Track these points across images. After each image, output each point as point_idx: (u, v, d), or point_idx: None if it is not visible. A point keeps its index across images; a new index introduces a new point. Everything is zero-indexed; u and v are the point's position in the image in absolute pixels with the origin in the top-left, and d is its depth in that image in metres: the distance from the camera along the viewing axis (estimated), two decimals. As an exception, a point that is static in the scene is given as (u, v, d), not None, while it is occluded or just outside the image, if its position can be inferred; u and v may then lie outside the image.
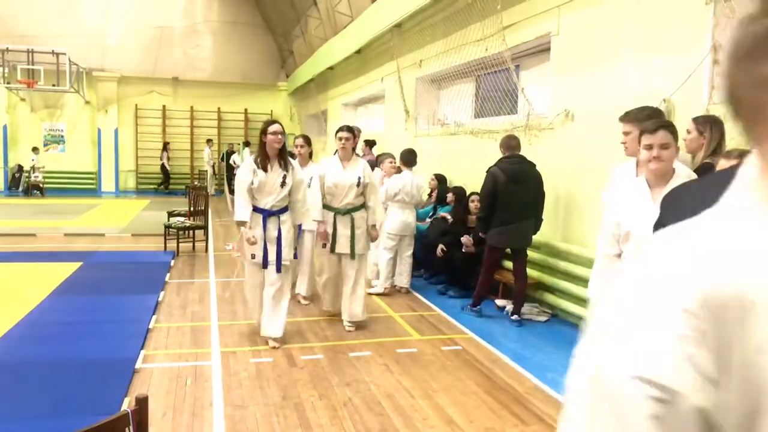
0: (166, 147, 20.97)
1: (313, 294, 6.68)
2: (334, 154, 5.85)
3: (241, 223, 5.06)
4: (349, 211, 5.72)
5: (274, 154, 5.15)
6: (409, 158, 7.61)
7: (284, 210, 5.22)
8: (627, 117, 3.72)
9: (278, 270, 5.14)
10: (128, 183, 21.41)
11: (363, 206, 5.77)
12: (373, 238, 5.95)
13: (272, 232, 5.13)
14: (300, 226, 5.82)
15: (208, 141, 20.91)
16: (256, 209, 5.13)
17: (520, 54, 7.51)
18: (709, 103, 4.50)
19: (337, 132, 5.82)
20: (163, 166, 20.92)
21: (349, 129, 5.83)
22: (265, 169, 5.10)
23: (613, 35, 5.57)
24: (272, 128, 5.13)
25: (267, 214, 5.12)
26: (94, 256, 9.05)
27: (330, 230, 5.71)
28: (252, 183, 5.07)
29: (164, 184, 20.93)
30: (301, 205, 5.29)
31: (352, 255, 5.73)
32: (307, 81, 18.04)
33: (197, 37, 21.52)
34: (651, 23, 5.09)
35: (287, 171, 5.16)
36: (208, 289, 7.31)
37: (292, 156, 6.01)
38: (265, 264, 5.15)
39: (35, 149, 19.37)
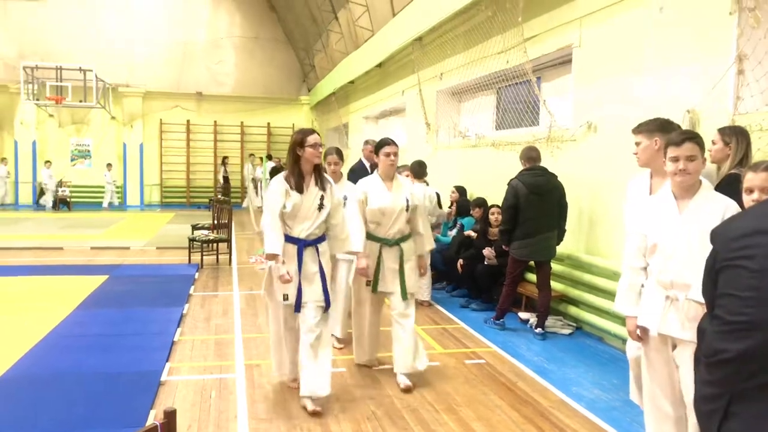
0: (224, 161, 20.94)
1: (349, 335, 5.52)
2: (358, 164, 5.66)
3: (273, 257, 4.09)
4: (397, 242, 4.73)
5: (309, 170, 4.23)
6: (419, 170, 7.58)
7: (322, 239, 4.30)
8: (638, 128, 3.71)
9: (327, 307, 4.25)
10: (153, 197, 21.70)
11: (409, 235, 4.81)
12: (422, 272, 4.98)
13: (310, 267, 4.20)
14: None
15: (251, 156, 20.95)
16: (288, 239, 4.16)
17: (542, 66, 7.50)
18: (735, 114, 4.45)
19: (382, 146, 4.76)
20: (225, 179, 20.69)
21: (393, 142, 4.81)
22: (300, 190, 4.15)
23: (635, 46, 5.54)
24: (311, 139, 4.18)
25: (303, 244, 4.17)
26: (120, 269, 9.18)
27: (372, 265, 4.72)
28: (284, 207, 4.14)
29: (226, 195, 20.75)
30: (340, 231, 4.36)
31: (404, 295, 4.67)
32: (328, 95, 18.19)
33: (220, 52, 21.84)
34: (674, 33, 5.06)
35: (324, 191, 4.24)
36: (231, 301, 7.36)
37: None
38: (298, 307, 4.19)
39: (47, 162, 19.74)
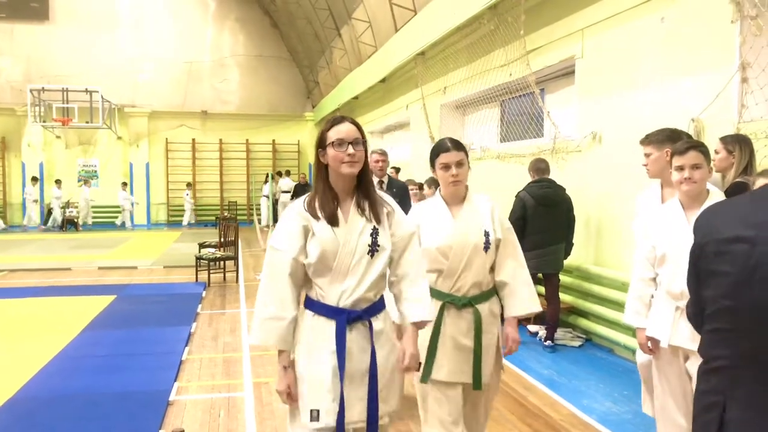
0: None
1: None
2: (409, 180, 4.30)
3: (280, 353, 2.45)
4: (471, 301, 2.90)
5: (348, 187, 2.47)
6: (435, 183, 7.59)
7: (378, 307, 2.50)
8: (647, 139, 3.70)
9: None
10: (159, 216, 21.77)
11: (494, 289, 3.01)
12: (510, 348, 3.03)
13: (359, 360, 2.42)
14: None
15: (278, 174, 20.66)
16: (317, 308, 2.44)
17: (545, 78, 7.52)
18: (740, 122, 4.44)
19: (438, 152, 2.97)
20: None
21: (454, 146, 2.96)
22: (333, 222, 2.40)
23: (638, 56, 5.55)
24: (340, 130, 2.40)
25: (346, 318, 2.40)
26: (128, 289, 9.19)
27: (426, 337, 2.84)
28: (305, 256, 2.41)
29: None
30: (419, 286, 2.52)
31: (476, 384, 2.90)
32: (332, 110, 18.26)
33: (225, 71, 22.00)
34: (676, 43, 5.06)
35: (378, 220, 2.46)
36: (239, 319, 7.35)
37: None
38: (340, 429, 2.40)
39: (58, 182, 19.85)
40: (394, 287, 2.55)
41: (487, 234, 2.92)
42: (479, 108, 9.53)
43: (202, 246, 10.96)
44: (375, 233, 2.43)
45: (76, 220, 19.47)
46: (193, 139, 21.84)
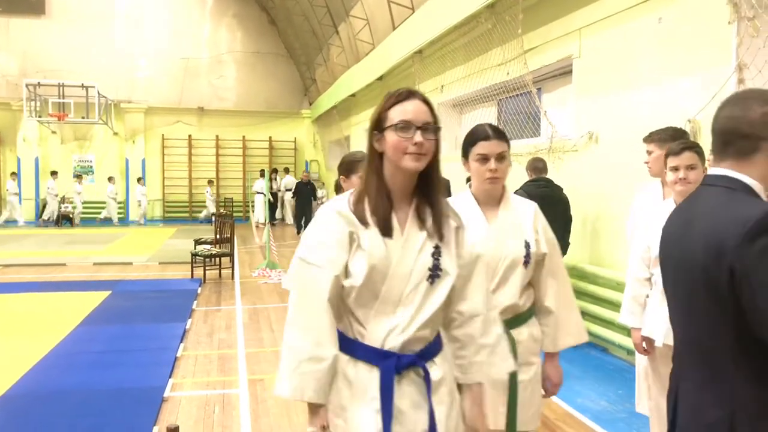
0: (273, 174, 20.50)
1: None
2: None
3: (314, 410, 1.79)
4: (505, 325, 2.19)
5: (408, 187, 1.84)
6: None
7: (436, 348, 1.88)
8: (650, 137, 3.70)
9: None
10: (155, 212, 21.73)
11: (532, 309, 2.47)
12: (550, 392, 2.57)
13: (412, 423, 1.78)
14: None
15: (285, 170, 20.61)
16: (353, 349, 1.81)
17: (542, 77, 7.53)
18: (736, 123, 4.44)
19: (475, 140, 2.37)
20: (274, 194, 19.85)
21: (494, 134, 2.37)
22: (386, 231, 1.79)
23: (635, 56, 5.56)
24: (406, 109, 1.78)
25: (396, 365, 1.78)
26: (123, 284, 9.17)
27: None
28: (345, 275, 1.80)
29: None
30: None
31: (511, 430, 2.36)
32: (329, 108, 18.25)
33: (222, 67, 21.96)
34: (673, 43, 5.07)
35: (442, 235, 1.84)
36: (234, 316, 7.34)
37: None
38: None
39: (54, 174, 19.75)
40: (453, 327, 1.89)
41: (528, 246, 2.37)
42: (476, 107, 9.53)
43: (197, 242, 10.95)
44: (437, 253, 1.80)
45: (71, 216, 19.41)
46: (190, 136, 21.80)
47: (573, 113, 6.67)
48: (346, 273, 1.77)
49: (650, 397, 3.18)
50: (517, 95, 7.89)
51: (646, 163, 3.71)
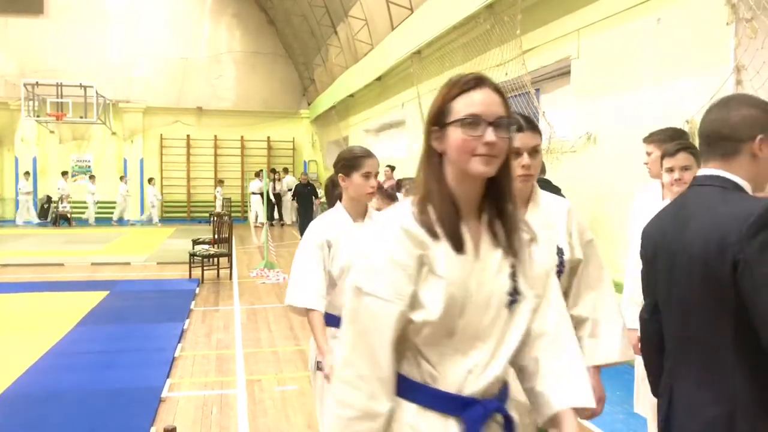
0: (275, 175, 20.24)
1: None
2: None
3: None
4: None
5: (477, 195, 1.47)
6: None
7: (507, 388, 1.54)
8: (649, 138, 3.70)
9: None
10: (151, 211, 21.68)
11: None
12: (594, 411, 1.87)
13: None
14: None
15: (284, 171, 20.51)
16: (423, 396, 1.42)
17: (540, 78, 7.53)
18: (734, 124, 4.45)
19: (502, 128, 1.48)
20: (277, 195, 19.70)
21: (535, 125, 2.17)
22: (458, 247, 1.40)
23: (633, 57, 5.56)
24: (474, 100, 1.41)
25: (482, 413, 1.42)
26: (121, 284, 9.15)
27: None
28: (417, 306, 1.40)
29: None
30: (568, 354, 1.54)
31: None
32: (328, 108, 18.24)
33: (220, 67, 21.95)
34: (671, 44, 5.07)
35: (514, 249, 1.48)
36: (232, 316, 7.34)
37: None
38: None
39: (65, 174, 19.75)
40: (528, 361, 1.53)
41: (561, 252, 2.10)
42: (475, 107, 9.53)
43: (195, 242, 10.94)
44: (515, 273, 1.47)
45: (69, 216, 19.38)
46: (188, 136, 21.78)
47: (571, 114, 6.67)
48: (415, 305, 1.39)
49: (648, 398, 3.18)
50: (515, 96, 7.89)
51: (646, 164, 3.71)
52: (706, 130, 1.70)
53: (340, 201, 2.82)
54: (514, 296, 1.46)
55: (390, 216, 1.49)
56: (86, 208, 20.20)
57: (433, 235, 1.39)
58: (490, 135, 1.37)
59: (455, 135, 1.40)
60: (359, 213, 2.79)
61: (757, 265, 1.45)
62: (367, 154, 2.76)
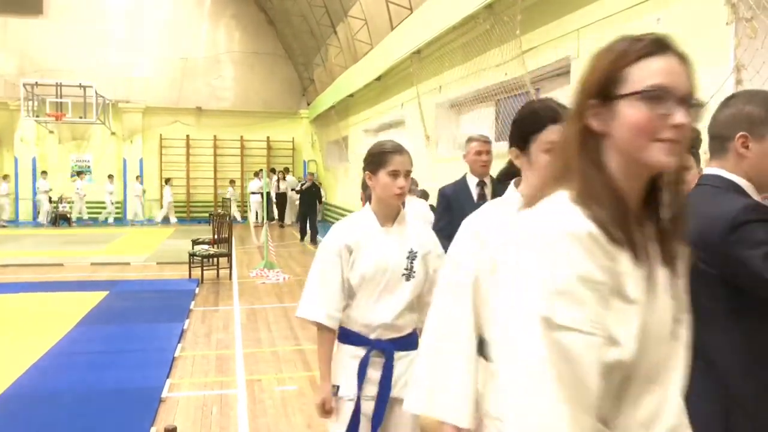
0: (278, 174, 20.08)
1: None
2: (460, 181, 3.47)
3: None
4: None
5: (642, 193, 1.12)
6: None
7: None
8: None
9: None
10: (153, 212, 21.70)
11: None
12: None
13: None
14: None
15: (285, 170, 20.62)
16: None
17: (540, 77, 7.53)
18: (734, 123, 4.45)
19: (544, 123, 1.72)
20: (278, 194, 19.40)
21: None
22: (638, 252, 1.06)
23: (633, 57, 5.55)
24: (660, 68, 1.05)
25: None
26: (120, 284, 9.15)
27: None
28: (612, 345, 1.03)
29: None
30: None
31: None
32: (327, 108, 18.24)
33: (220, 67, 21.95)
34: (672, 44, 5.07)
35: (674, 263, 1.14)
36: (232, 316, 7.33)
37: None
38: None
39: (43, 173, 19.76)
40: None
41: None
42: (474, 107, 9.53)
43: (195, 242, 10.93)
44: (678, 293, 1.18)
45: (69, 216, 19.37)
46: (188, 136, 21.77)
47: (571, 114, 6.67)
48: (609, 339, 1.03)
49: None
50: (515, 96, 7.89)
51: None
52: (708, 129, 1.73)
53: (370, 202, 2.52)
54: (680, 322, 1.16)
55: (568, 219, 1.03)
56: (104, 208, 20.41)
57: (616, 242, 1.03)
58: (680, 116, 1.03)
59: (631, 111, 1.05)
60: (388, 216, 2.46)
61: (740, 251, 1.50)
62: (397, 150, 2.41)
